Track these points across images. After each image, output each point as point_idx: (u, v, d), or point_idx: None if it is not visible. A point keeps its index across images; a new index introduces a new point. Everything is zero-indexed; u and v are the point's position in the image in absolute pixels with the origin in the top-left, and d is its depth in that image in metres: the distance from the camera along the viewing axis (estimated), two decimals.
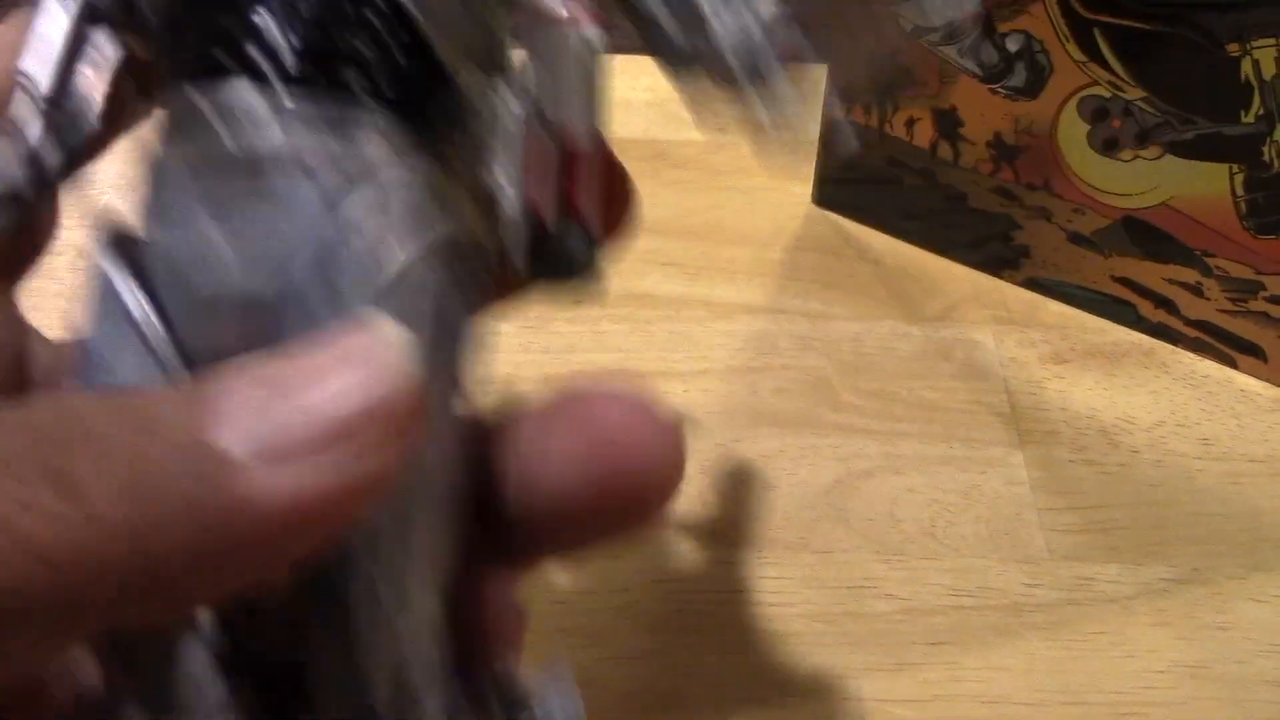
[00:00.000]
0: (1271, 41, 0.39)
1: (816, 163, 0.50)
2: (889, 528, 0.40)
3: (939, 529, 0.40)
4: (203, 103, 0.17)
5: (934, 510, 0.40)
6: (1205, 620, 0.38)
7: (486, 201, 0.20)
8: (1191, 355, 0.46)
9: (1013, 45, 0.44)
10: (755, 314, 0.46)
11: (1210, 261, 0.44)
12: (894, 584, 0.38)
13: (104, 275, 0.17)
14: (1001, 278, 0.48)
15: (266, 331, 0.16)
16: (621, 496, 0.19)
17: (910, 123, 0.47)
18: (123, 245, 0.18)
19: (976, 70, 0.45)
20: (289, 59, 0.17)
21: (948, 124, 0.46)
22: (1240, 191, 0.42)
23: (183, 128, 0.17)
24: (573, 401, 0.20)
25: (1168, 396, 0.44)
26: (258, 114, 0.17)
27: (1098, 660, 0.37)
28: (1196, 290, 0.45)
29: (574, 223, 0.23)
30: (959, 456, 0.42)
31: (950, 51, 0.45)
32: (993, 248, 0.48)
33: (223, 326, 0.17)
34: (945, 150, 0.47)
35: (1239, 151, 0.41)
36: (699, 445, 0.41)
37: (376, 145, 0.17)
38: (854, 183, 0.50)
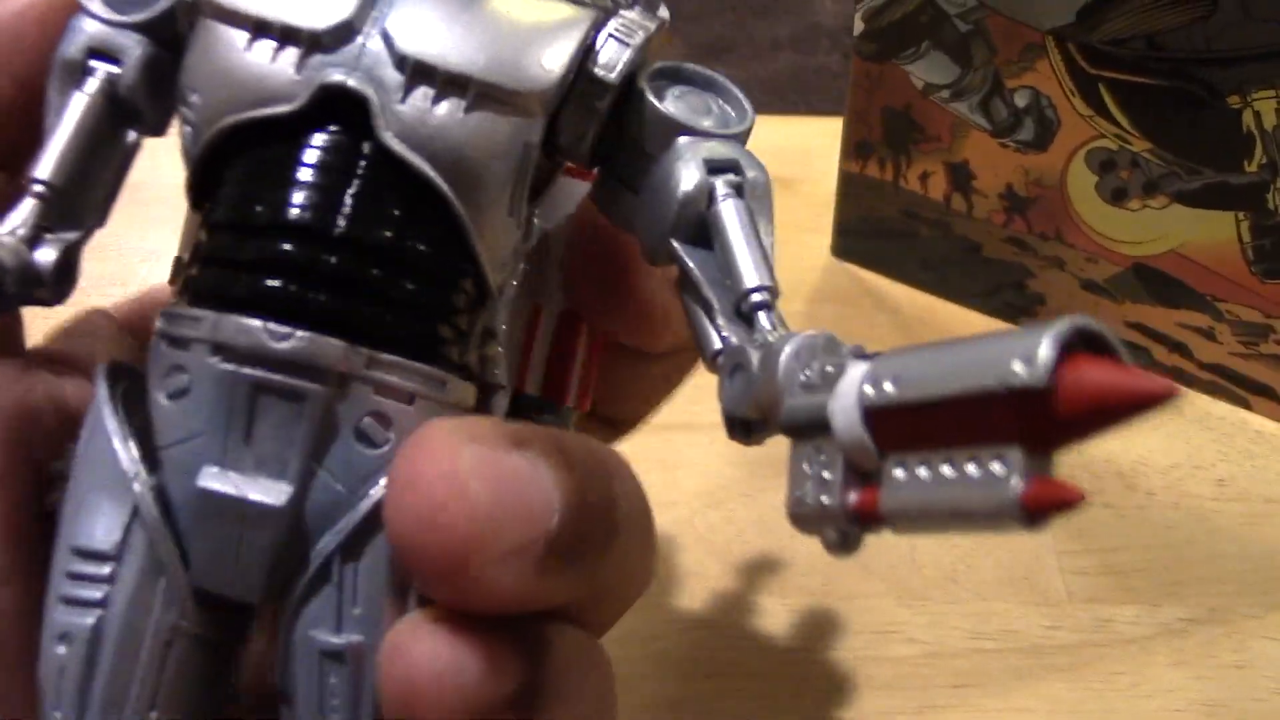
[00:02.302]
0: (1271, 93, 0.40)
1: (835, 215, 0.52)
2: (910, 573, 0.41)
3: (960, 573, 0.41)
4: (230, 329, 0.18)
5: (954, 555, 0.41)
6: (1222, 660, 0.38)
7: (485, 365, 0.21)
8: (1206, 398, 0.47)
9: (1021, 101, 0.45)
10: None
11: (1221, 306, 0.45)
12: (916, 628, 0.39)
13: (96, 403, 0.19)
14: (1017, 325, 0.49)
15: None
16: (418, 547, 0.17)
17: (924, 176, 0.49)
18: (119, 379, 0.19)
19: (987, 125, 0.46)
20: (313, 298, 0.18)
21: (960, 177, 0.48)
22: (1247, 238, 0.43)
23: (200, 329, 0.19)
24: (408, 444, 0.18)
25: (1183, 439, 0.45)
26: (271, 343, 0.18)
27: (1117, 701, 0.37)
28: (1208, 334, 0.45)
29: (551, 398, 0.24)
30: None
31: (961, 107, 0.46)
32: (1007, 296, 0.49)
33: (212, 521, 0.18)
34: (959, 202, 0.48)
35: (1244, 200, 0.42)
36: (726, 495, 0.43)
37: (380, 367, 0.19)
38: (871, 235, 0.51)
